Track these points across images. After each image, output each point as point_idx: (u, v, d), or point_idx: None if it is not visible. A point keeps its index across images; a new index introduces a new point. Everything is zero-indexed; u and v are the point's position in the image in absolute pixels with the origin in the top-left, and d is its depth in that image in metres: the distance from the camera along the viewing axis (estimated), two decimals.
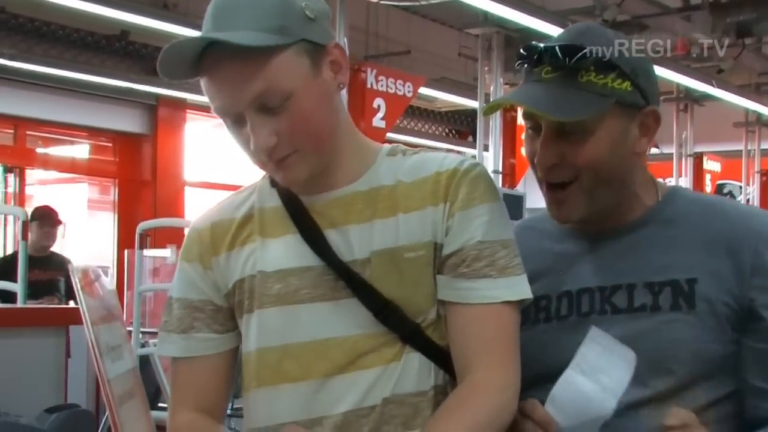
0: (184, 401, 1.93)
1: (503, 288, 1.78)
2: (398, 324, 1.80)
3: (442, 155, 1.88)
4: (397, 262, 1.79)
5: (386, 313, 1.80)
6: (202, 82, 1.73)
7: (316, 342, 1.82)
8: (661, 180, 1.99)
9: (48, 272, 8.02)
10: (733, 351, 1.80)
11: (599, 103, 1.78)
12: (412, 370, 1.80)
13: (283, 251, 1.85)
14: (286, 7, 1.70)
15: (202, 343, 1.92)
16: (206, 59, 1.69)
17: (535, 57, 1.82)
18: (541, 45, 1.82)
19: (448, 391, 1.82)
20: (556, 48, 1.78)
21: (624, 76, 1.80)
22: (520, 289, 1.80)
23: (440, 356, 1.82)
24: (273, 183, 1.91)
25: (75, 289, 1.64)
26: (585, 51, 1.77)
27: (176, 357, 1.94)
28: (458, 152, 15.62)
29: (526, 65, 1.86)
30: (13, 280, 6.01)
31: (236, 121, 1.73)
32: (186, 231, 2.02)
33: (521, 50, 1.86)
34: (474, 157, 12.44)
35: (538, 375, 1.83)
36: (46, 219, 8.29)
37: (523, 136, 2.04)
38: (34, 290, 6.33)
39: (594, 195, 1.83)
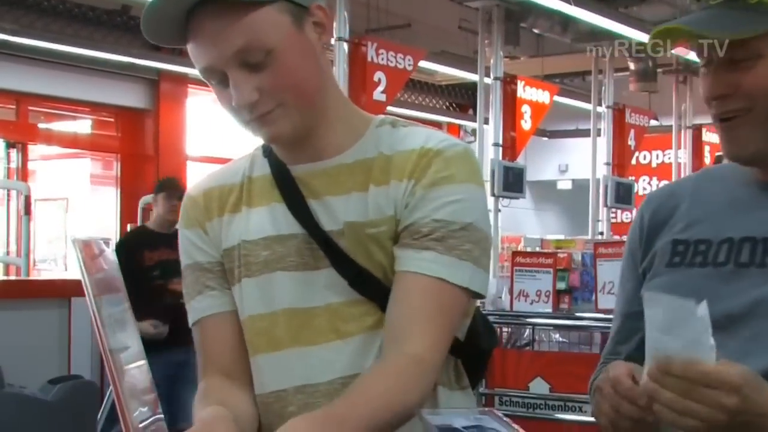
0: (211, 366, 1.93)
1: (445, 266, 1.76)
2: (375, 292, 1.81)
3: (427, 132, 1.86)
4: (361, 236, 1.80)
5: (361, 281, 1.81)
6: (189, 48, 1.73)
7: (301, 310, 1.83)
8: None
9: (176, 251, 7.67)
10: None
11: (763, 23, 1.66)
12: None
13: (269, 219, 1.86)
14: None
15: (218, 299, 1.93)
16: (191, 24, 1.70)
17: None
18: None
19: None
20: None
21: None
22: (464, 275, 1.77)
23: None
24: (265, 152, 1.92)
25: (77, 261, 1.62)
26: None
27: (197, 319, 1.94)
28: (458, 125, 15.64)
29: None
30: (143, 256, 5.93)
31: (220, 81, 1.73)
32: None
33: None
34: (474, 131, 12.44)
35: None
36: (173, 191, 6.76)
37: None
38: (164, 271, 6.14)
39: (766, 125, 1.71)
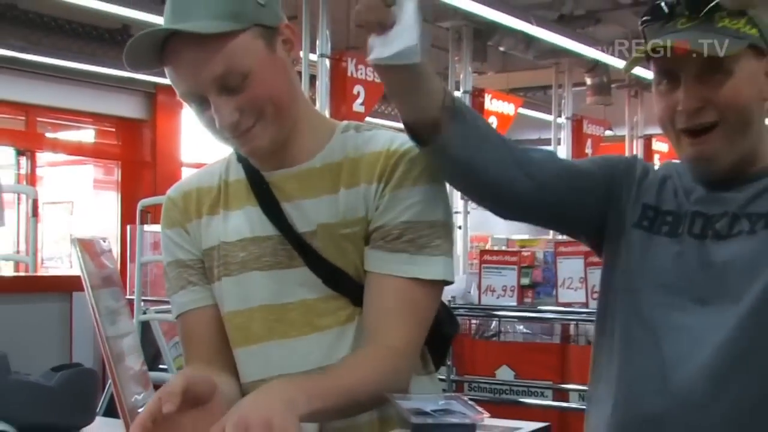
0: (194, 356, 1.92)
1: (418, 265, 1.76)
2: (347, 288, 1.80)
3: (391, 135, 1.85)
4: (335, 236, 1.79)
5: (334, 279, 1.80)
6: (167, 71, 1.71)
7: (277, 306, 1.82)
8: None
9: None
10: None
11: (737, 44, 1.70)
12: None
13: (245, 221, 1.85)
14: None
15: (199, 294, 1.92)
16: (168, 49, 1.68)
17: (665, 13, 1.77)
18: (671, 1, 1.77)
19: None
20: (690, 0, 1.74)
21: (752, 23, 1.73)
22: (436, 269, 1.78)
23: None
24: (239, 158, 1.90)
25: (76, 258, 1.61)
26: (718, 0, 1.72)
27: (179, 314, 1.93)
28: None
29: (652, 23, 1.81)
30: None
31: (200, 104, 1.72)
32: None
33: (647, 12, 1.81)
34: None
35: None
36: None
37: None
38: None
39: (734, 141, 1.75)
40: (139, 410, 1.70)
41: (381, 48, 1.60)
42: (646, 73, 12.12)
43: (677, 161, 1.96)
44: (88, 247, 1.67)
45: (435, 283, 1.79)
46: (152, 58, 1.70)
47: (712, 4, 1.72)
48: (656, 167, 1.97)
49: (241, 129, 1.71)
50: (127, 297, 1.96)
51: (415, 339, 1.79)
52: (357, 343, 1.79)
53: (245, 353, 1.87)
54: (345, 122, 1.91)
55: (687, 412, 1.71)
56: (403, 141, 1.81)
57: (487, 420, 1.50)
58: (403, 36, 1.59)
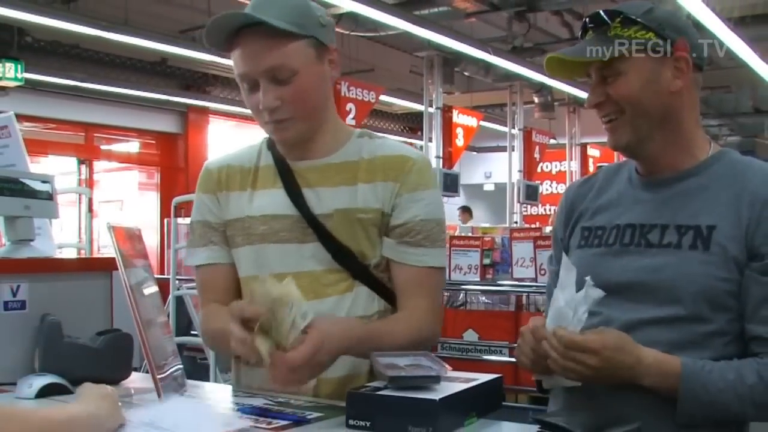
0: (209, 299, 1.90)
1: (432, 256, 1.81)
2: (350, 264, 1.80)
3: (398, 143, 1.88)
4: (351, 220, 1.78)
5: (341, 255, 1.79)
6: (233, 55, 1.72)
7: (290, 274, 1.74)
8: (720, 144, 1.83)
9: None
10: (737, 290, 1.61)
11: (618, 48, 1.66)
12: (361, 299, 1.80)
13: (269, 200, 1.83)
14: (307, 11, 1.73)
15: (219, 252, 1.90)
16: (240, 35, 1.69)
17: (584, 27, 1.77)
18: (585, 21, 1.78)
19: (388, 315, 1.82)
20: (587, 18, 1.76)
21: (647, 29, 1.67)
22: (443, 258, 1.84)
23: (382, 290, 1.82)
24: (269, 146, 1.89)
25: (111, 241, 1.58)
26: (606, 11, 1.71)
27: (200, 264, 1.91)
28: (411, 144, 15.65)
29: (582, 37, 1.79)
30: None
31: (252, 87, 1.72)
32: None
33: (581, 31, 1.80)
34: (421, 147, 12.45)
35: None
36: None
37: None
38: None
39: (635, 124, 1.69)
40: (165, 373, 1.66)
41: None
42: (582, 93, 12.15)
43: (609, 165, 1.96)
44: (120, 233, 1.63)
45: (442, 268, 1.84)
46: (225, 38, 1.71)
47: (602, 17, 1.71)
48: (588, 179, 1.94)
49: (277, 117, 1.72)
50: (165, 276, 1.92)
51: (436, 306, 1.83)
52: (354, 309, 1.78)
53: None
54: (360, 129, 1.91)
55: None
56: (411, 150, 1.86)
57: (450, 372, 1.47)
58: None
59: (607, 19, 1.71)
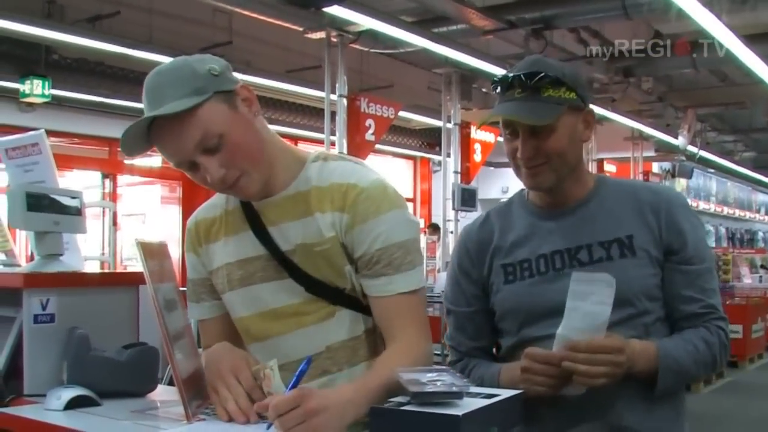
0: (207, 345, 1.91)
1: (398, 282, 1.75)
2: (324, 293, 1.79)
3: (352, 167, 1.81)
4: (312, 253, 1.77)
5: (313, 286, 1.78)
6: (158, 149, 1.69)
7: (271, 310, 1.83)
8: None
9: None
10: (660, 282, 1.88)
11: (557, 109, 1.84)
12: (345, 322, 1.80)
13: (241, 244, 1.84)
14: (194, 74, 1.66)
15: (208, 309, 1.95)
16: (153, 132, 1.65)
17: (507, 83, 1.87)
18: (510, 75, 1.87)
19: (377, 332, 1.81)
20: (521, 75, 1.84)
21: (570, 89, 1.86)
22: (414, 279, 1.76)
23: (366, 309, 1.80)
24: None
25: (139, 257, 1.59)
26: (542, 74, 1.83)
27: (196, 320, 1.97)
28: (428, 159, 15.61)
29: (499, 89, 1.89)
30: None
31: (191, 168, 1.69)
32: None
33: (495, 81, 1.92)
34: (439, 162, 12.45)
35: (530, 315, 1.90)
36: None
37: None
38: None
39: (559, 170, 1.88)
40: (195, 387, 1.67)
41: None
42: (598, 110, 12.12)
43: (494, 208, 2.09)
44: (149, 249, 1.64)
45: (416, 290, 1.77)
46: (142, 143, 1.67)
47: (536, 80, 1.82)
48: (482, 226, 2.06)
49: (229, 182, 1.69)
50: (184, 288, 1.94)
51: (422, 329, 1.77)
52: (339, 332, 1.79)
53: (254, 348, 1.88)
54: (315, 152, 1.87)
55: None
56: (362, 176, 1.78)
57: (472, 388, 1.47)
58: None
59: (537, 80, 1.83)
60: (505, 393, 1.51)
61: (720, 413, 8.22)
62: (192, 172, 1.70)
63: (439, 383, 1.42)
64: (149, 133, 1.66)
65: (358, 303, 1.80)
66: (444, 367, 1.56)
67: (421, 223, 14.15)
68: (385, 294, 1.75)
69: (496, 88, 1.90)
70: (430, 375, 1.46)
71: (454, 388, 1.40)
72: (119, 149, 1.98)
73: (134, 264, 11.94)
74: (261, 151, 1.73)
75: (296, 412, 1.43)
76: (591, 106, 1.95)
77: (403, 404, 1.39)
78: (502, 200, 2.14)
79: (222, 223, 1.89)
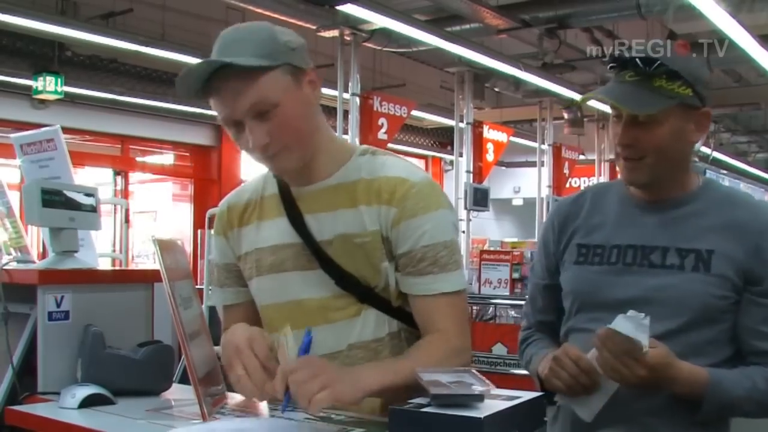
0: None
1: (441, 282, 1.72)
2: (354, 289, 1.75)
3: (403, 163, 1.80)
4: (350, 245, 1.73)
5: (344, 281, 1.75)
6: (211, 101, 1.66)
7: (298, 301, 1.78)
8: (701, 173, 1.99)
9: None
10: (732, 308, 1.77)
11: (666, 103, 1.73)
12: (370, 323, 1.76)
13: (276, 231, 1.81)
14: (273, 39, 1.65)
15: (233, 294, 1.91)
16: (213, 81, 1.62)
17: (622, 63, 1.77)
18: (627, 55, 1.77)
19: (401, 336, 1.78)
20: (637, 60, 1.74)
21: (687, 84, 1.75)
22: (457, 281, 1.73)
23: (393, 311, 1.77)
24: (275, 174, 1.85)
25: (156, 254, 1.57)
26: (658, 62, 1.73)
27: (218, 305, 1.94)
28: (440, 158, 15.59)
29: (614, 68, 1.80)
30: None
31: (238, 128, 1.66)
32: None
33: (610, 59, 1.82)
34: (451, 161, 12.43)
35: (585, 303, 1.86)
36: None
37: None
38: None
39: (655, 168, 1.79)
40: (209, 394, 1.65)
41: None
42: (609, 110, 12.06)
43: (596, 185, 2.05)
44: (165, 246, 1.63)
45: (458, 292, 1.75)
46: (198, 88, 1.64)
47: (654, 66, 1.73)
48: (575, 201, 2.01)
49: (270, 152, 1.67)
50: (198, 286, 1.93)
51: (463, 328, 1.75)
52: (363, 332, 1.76)
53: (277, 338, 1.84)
54: (364, 146, 1.85)
55: None
56: (412, 172, 1.77)
57: (492, 390, 1.45)
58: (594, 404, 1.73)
59: (653, 69, 1.73)
60: (527, 395, 1.49)
61: None
62: (236, 132, 1.67)
63: (460, 385, 1.40)
64: (209, 81, 1.63)
65: (385, 304, 1.76)
66: (466, 368, 1.54)
67: None
68: (429, 293, 1.71)
69: (612, 66, 1.81)
70: (451, 376, 1.44)
71: (476, 390, 1.38)
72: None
73: (145, 261, 11.99)
74: (310, 134, 1.72)
75: (307, 370, 1.45)
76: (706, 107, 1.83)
77: (423, 405, 1.37)
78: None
79: (256, 208, 1.86)
